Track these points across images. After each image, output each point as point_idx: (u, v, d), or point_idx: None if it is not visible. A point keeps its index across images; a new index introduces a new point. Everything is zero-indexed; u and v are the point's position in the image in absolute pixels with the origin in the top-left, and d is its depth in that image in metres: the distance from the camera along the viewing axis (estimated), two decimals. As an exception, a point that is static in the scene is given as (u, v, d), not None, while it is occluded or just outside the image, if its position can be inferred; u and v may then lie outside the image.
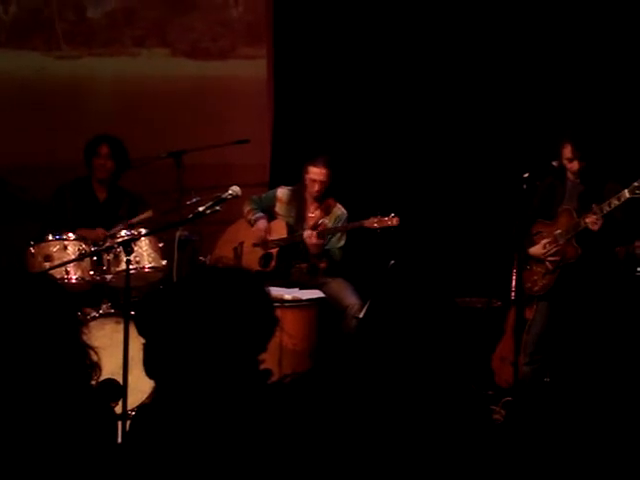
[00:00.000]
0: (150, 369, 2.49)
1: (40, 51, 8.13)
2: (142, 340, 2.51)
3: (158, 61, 8.21)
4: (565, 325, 6.01)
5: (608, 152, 6.17)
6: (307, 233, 6.72)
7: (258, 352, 2.50)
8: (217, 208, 5.60)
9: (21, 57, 8.09)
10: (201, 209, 5.59)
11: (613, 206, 5.79)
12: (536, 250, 6.11)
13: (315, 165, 6.84)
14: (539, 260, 6.12)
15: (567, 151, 5.97)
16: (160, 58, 8.21)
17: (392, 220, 6.53)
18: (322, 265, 6.86)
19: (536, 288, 6.14)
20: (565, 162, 6.00)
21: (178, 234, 6.61)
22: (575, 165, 5.98)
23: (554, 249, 6.08)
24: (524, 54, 7.62)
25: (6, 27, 8.13)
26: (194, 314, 2.43)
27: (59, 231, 6.30)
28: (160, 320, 2.46)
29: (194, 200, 6.40)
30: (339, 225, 6.88)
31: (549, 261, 6.10)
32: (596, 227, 5.84)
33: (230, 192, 5.68)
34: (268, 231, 6.97)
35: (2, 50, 8.12)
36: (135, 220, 6.37)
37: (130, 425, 2.57)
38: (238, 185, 5.77)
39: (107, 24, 8.21)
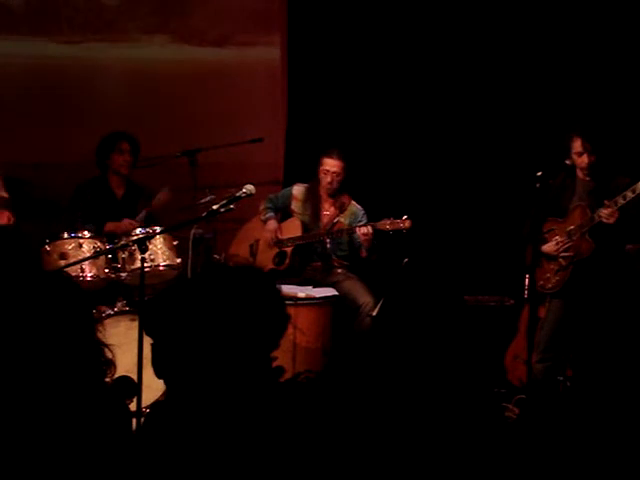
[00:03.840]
0: (160, 369, 2.48)
1: (51, 39, 7.98)
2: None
3: (170, 49, 8.10)
4: (578, 323, 5.98)
5: (617, 147, 6.14)
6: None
7: (270, 349, 2.50)
8: (231, 206, 5.59)
9: (32, 44, 7.96)
10: (215, 207, 5.58)
11: (628, 199, 5.72)
12: (548, 247, 6.06)
13: (329, 156, 6.85)
14: (551, 257, 6.07)
15: (577, 145, 5.92)
16: (171, 46, 8.10)
17: (404, 222, 6.50)
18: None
19: (549, 285, 6.08)
20: (575, 157, 5.95)
21: (192, 232, 6.63)
22: (585, 159, 5.93)
23: (566, 245, 6.04)
24: (537, 53, 7.63)
25: (14, 14, 7.98)
26: (203, 312, 2.43)
27: (74, 229, 6.32)
28: (170, 319, 2.46)
29: (208, 198, 6.42)
30: (357, 222, 6.87)
31: (562, 257, 6.06)
32: (612, 220, 5.75)
33: (244, 190, 5.66)
34: (278, 231, 6.98)
35: (11, 37, 7.98)
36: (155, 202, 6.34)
37: (144, 422, 2.59)
38: (252, 183, 5.76)
39: (120, 11, 8.08)
